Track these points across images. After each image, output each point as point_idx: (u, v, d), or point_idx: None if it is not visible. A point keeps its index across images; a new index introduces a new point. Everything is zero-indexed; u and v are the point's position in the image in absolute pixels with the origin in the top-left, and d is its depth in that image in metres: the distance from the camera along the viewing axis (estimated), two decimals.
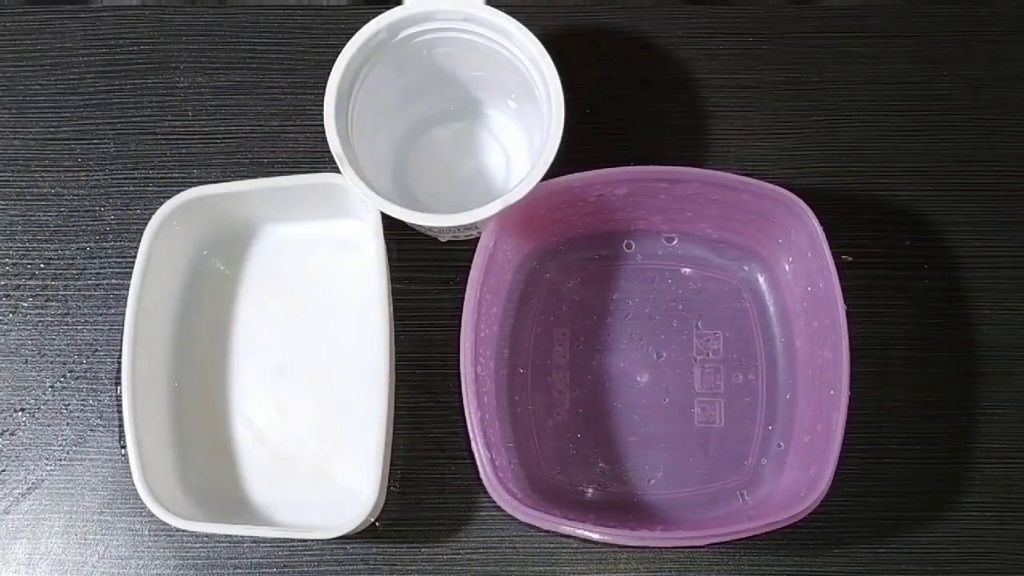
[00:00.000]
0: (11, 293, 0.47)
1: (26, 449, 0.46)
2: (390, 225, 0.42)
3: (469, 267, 0.41)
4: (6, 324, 0.47)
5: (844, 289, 0.40)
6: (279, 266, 0.46)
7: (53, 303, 0.47)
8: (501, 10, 0.40)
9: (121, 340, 0.42)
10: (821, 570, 0.45)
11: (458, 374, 0.40)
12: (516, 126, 0.47)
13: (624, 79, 0.49)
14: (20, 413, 0.47)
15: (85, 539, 0.46)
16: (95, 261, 0.48)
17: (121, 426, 0.45)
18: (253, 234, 0.46)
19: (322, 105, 0.40)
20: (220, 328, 0.46)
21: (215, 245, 0.46)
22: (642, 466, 0.45)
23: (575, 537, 0.40)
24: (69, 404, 0.47)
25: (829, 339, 0.41)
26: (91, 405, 0.46)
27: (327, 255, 0.46)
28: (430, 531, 0.45)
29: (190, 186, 0.43)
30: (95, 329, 0.47)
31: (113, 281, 0.47)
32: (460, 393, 0.40)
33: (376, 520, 0.45)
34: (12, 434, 0.46)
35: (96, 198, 0.48)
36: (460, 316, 0.41)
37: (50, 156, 0.48)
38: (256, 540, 0.45)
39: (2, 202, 0.48)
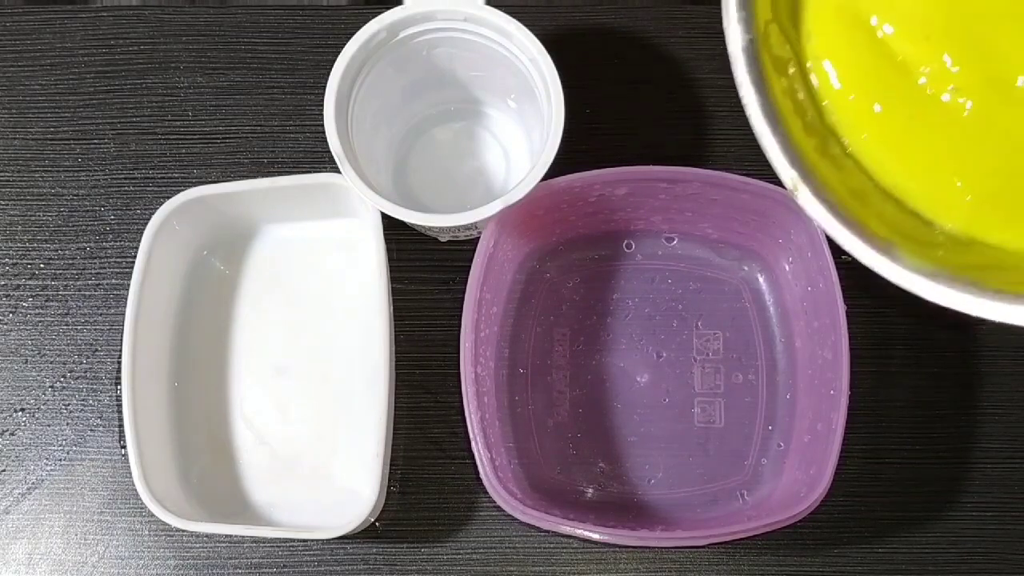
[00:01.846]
0: (11, 293, 0.47)
1: (26, 449, 0.46)
2: (390, 225, 0.42)
3: (469, 267, 0.41)
4: (6, 324, 0.47)
5: (844, 289, 0.40)
6: (279, 266, 0.46)
7: (53, 303, 0.47)
8: (501, 10, 0.40)
9: (121, 340, 0.42)
10: (821, 570, 0.45)
11: (458, 374, 0.40)
12: (516, 126, 0.47)
13: (624, 79, 0.49)
14: (20, 413, 0.47)
15: (85, 539, 0.46)
16: (95, 261, 0.48)
17: (121, 426, 0.45)
18: (253, 234, 0.46)
19: (322, 105, 0.40)
20: (220, 328, 0.46)
21: (215, 245, 0.46)
22: (642, 466, 0.45)
23: (575, 537, 0.40)
24: (69, 404, 0.47)
25: (829, 339, 0.41)
26: (91, 405, 0.46)
27: (327, 255, 0.46)
28: (430, 531, 0.45)
29: (190, 186, 0.43)
30: (95, 329, 0.47)
31: (113, 281, 0.47)
32: (460, 393, 0.40)
33: (376, 520, 0.45)
34: (12, 434, 0.46)
35: (96, 198, 0.48)
36: (460, 316, 0.41)
37: (50, 156, 0.48)
38: (256, 540, 0.45)
39: (2, 202, 0.48)
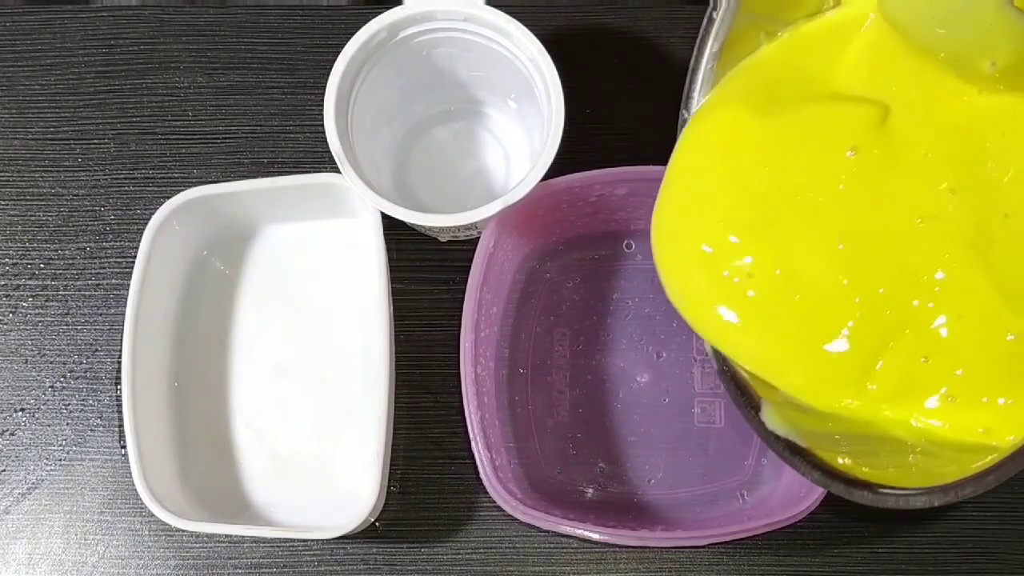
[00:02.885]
0: (11, 293, 0.47)
1: (26, 449, 0.46)
2: (390, 225, 0.42)
3: (469, 267, 0.41)
4: (6, 324, 0.47)
5: None
6: (279, 266, 0.46)
7: (53, 303, 0.47)
8: (501, 10, 0.40)
9: (121, 340, 0.42)
10: (821, 570, 0.45)
11: (458, 374, 0.40)
12: (516, 126, 0.47)
13: (624, 79, 0.49)
14: (20, 413, 0.47)
15: (85, 539, 0.46)
16: (95, 261, 0.48)
17: (121, 426, 0.45)
18: (253, 234, 0.46)
19: (322, 105, 0.40)
20: (220, 328, 0.46)
21: (215, 245, 0.46)
22: (642, 466, 0.45)
23: (575, 537, 0.40)
24: (69, 404, 0.47)
25: None
26: (91, 405, 0.46)
27: (327, 255, 0.46)
28: (430, 531, 0.45)
29: (190, 186, 0.43)
30: (95, 329, 0.47)
31: (113, 281, 0.47)
32: (460, 393, 0.40)
33: (376, 520, 0.45)
34: (12, 434, 0.46)
35: (96, 198, 0.48)
36: (460, 316, 0.41)
37: (50, 156, 0.48)
38: (256, 540, 0.45)
39: (2, 202, 0.48)
